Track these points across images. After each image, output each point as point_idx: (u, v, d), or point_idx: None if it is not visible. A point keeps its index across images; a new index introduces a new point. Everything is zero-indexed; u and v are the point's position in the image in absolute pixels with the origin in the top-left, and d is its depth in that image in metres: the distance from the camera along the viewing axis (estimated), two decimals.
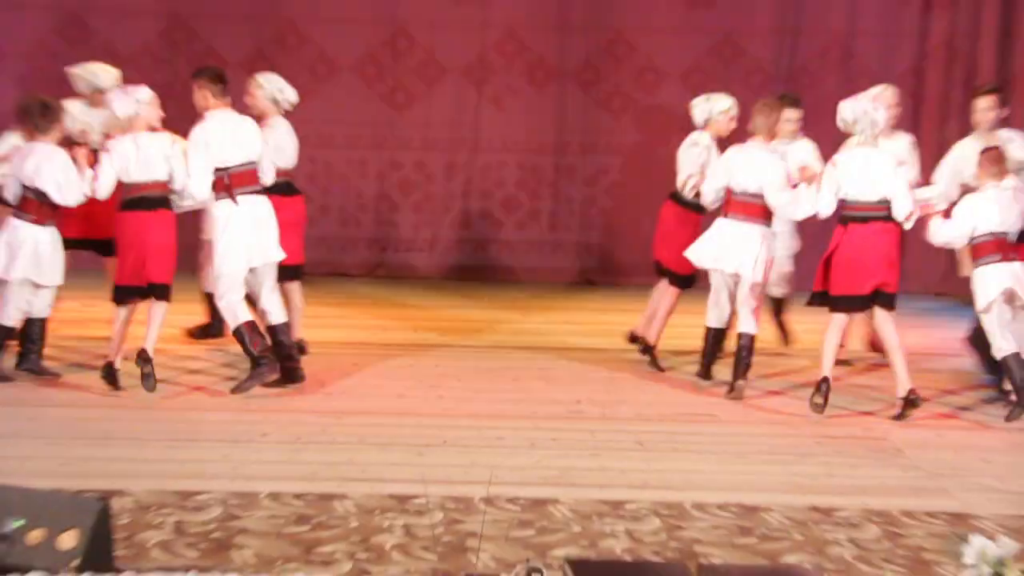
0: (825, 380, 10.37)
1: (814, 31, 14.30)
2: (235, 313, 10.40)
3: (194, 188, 10.45)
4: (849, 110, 10.58)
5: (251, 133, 10.62)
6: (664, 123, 14.11)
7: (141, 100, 10.53)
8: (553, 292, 13.76)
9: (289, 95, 11.28)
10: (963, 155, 11.27)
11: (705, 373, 11.22)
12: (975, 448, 9.80)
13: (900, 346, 10.48)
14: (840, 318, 10.50)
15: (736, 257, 10.84)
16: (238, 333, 10.39)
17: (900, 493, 8.91)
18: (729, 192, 10.86)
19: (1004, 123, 11.23)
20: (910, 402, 10.38)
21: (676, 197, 11.51)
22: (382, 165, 14.17)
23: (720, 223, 10.91)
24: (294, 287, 11.35)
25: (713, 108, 11.44)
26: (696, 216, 11.39)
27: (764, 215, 10.83)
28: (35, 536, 6.91)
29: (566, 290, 13.91)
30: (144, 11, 14.03)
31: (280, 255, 10.59)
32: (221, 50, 14.03)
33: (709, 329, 11.14)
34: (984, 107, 11.50)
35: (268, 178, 10.71)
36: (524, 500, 8.44)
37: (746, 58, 14.35)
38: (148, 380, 10.32)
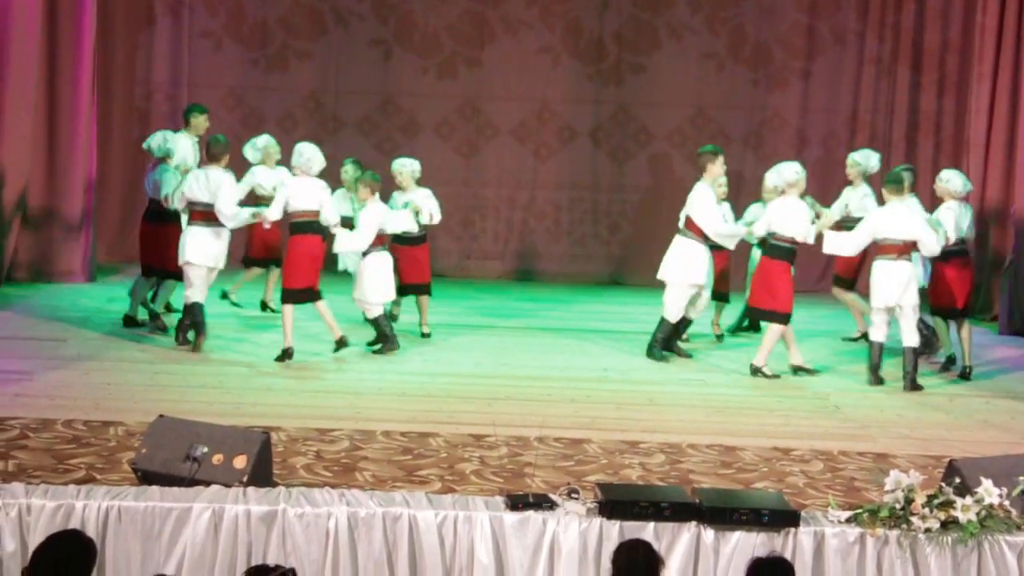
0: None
1: (772, 106, 14.18)
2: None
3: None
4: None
5: None
6: (662, 172, 14.07)
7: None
8: (587, 290, 13.71)
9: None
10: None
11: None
12: (893, 406, 9.71)
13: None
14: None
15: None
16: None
17: (838, 438, 8.85)
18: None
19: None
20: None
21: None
22: (461, 199, 14.10)
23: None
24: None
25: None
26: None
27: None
28: (216, 459, 6.94)
29: (597, 289, 13.85)
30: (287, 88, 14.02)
31: None
32: (342, 115, 14.05)
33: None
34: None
35: None
36: (566, 440, 8.42)
37: (714, 125, 14.22)
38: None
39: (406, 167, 11.38)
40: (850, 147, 13.49)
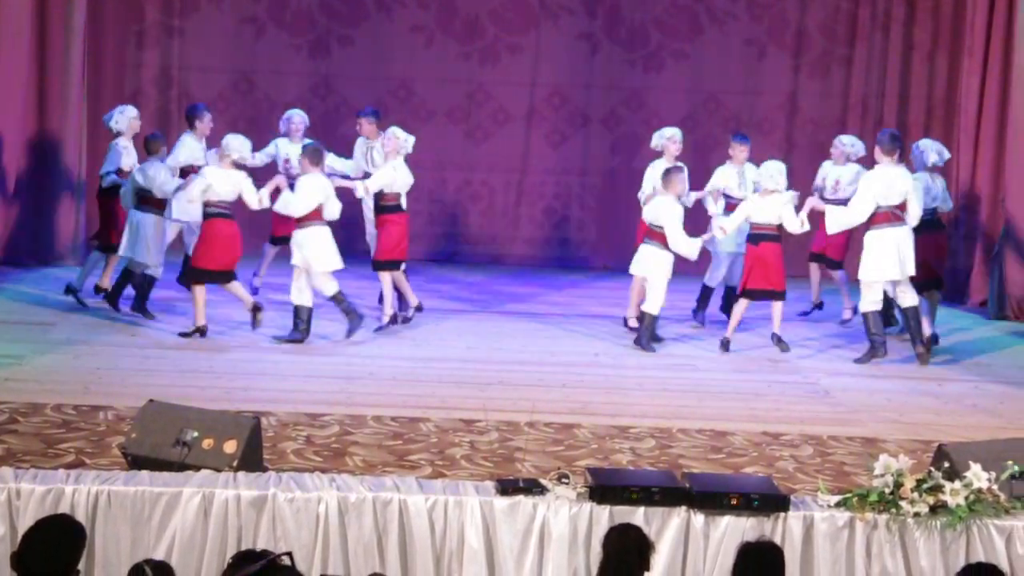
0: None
1: (769, 91, 14.12)
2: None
3: None
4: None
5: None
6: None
7: None
8: (579, 276, 13.65)
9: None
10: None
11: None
12: (881, 391, 9.70)
13: None
14: None
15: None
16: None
17: (828, 423, 8.84)
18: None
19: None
20: None
21: None
22: (459, 183, 14.05)
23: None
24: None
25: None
26: None
27: None
28: (207, 443, 6.92)
29: (589, 274, 13.79)
30: (296, 72, 13.92)
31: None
32: (352, 101, 13.95)
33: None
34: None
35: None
36: (556, 425, 8.41)
37: (723, 110, 14.16)
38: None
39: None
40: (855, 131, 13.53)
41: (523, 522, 6.65)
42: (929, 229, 10.64)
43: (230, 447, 6.88)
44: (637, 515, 6.56)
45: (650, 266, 10.57)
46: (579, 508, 6.64)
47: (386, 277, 10.83)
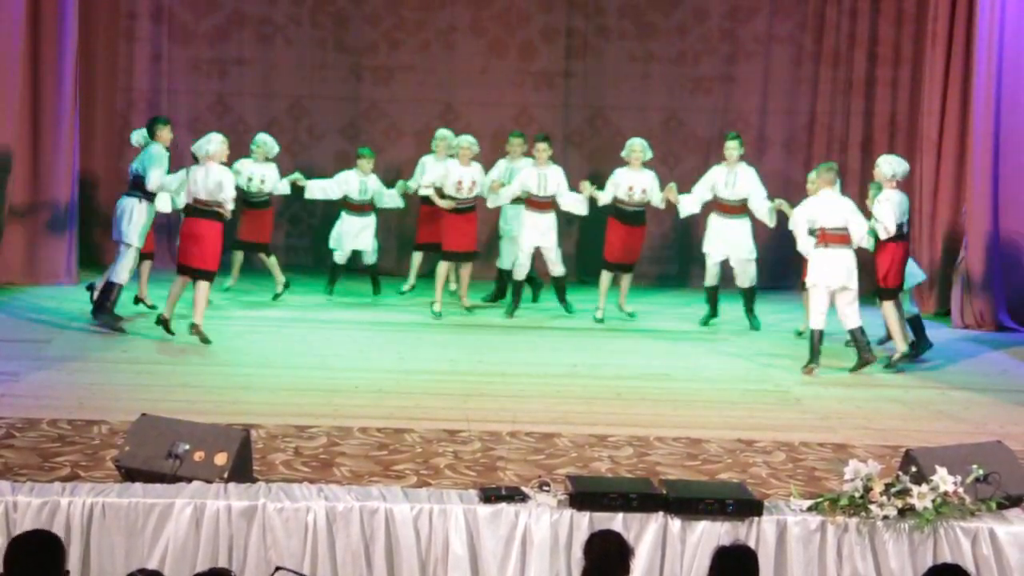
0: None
1: (736, 110, 14.18)
2: None
3: None
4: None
5: None
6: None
7: None
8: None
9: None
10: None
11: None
12: (851, 399, 9.74)
13: None
14: None
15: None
16: None
17: (799, 429, 8.87)
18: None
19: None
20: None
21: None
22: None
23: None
24: None
25: None
26: None
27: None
28: (198, 456, 6.92)
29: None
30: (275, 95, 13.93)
31: None
32: (324, 123, 13.99)
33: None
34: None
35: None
36: (537, 434, 8.42)
37: (685, 129, 14.24)
38: None
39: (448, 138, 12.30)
40: (809, 151, 13.66)
41: (506, 529, 6.66)
42: (898, 241, 10.66)
43: (221, 459, 6.87)
44: (616, 521, 6.58)
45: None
46: (560, 515, 6.66)
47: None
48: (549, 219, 11.92)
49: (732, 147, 11.77)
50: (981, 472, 6.90)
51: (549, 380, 9.91)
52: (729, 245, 11.79)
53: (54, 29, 12.43)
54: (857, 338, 10.39)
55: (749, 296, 11.91)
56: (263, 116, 13.85)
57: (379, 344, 10.69)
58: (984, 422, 9.10)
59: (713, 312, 12.02)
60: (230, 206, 10.47)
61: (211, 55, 13.87)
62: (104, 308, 10.74)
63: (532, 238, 11.92)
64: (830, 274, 10.28)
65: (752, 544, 6.49)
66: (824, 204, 10.38)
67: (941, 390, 10.05)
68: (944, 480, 6.75)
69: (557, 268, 12.12)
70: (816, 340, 10.31)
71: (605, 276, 12.00)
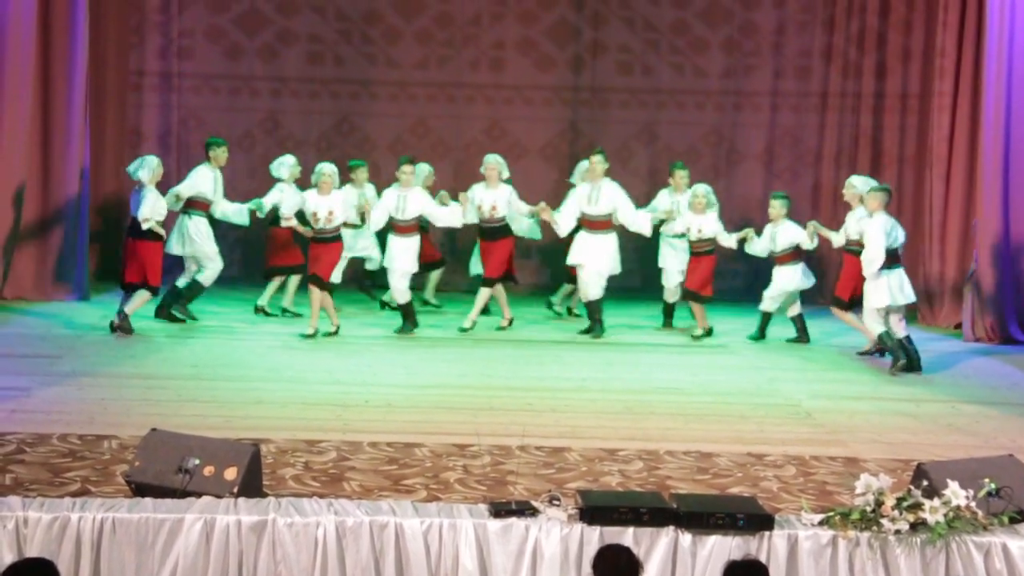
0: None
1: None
2: None
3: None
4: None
5: None
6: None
7: None
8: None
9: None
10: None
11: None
12: (861, 412, 9.69)
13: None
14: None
15: None
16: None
17: (810, 443, 8.83)
18: None
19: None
20: None
21: None
22: None
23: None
24: None
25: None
26: None
27: None
28: (208, 470, 6.89)
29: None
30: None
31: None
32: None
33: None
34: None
35: None
36: (547, 448, 8.38)
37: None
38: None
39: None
40: (817, 170, 13.78)
41: (516, 543, 6.63)
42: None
43: (231, 474, 6.85)
44: (626, 535, 6.54)
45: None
46: (570, 529, 6.62)
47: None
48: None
49: (597, 161, 11.81)
50: (993, 486, 6.85)
51: (558, 394, 9.88)
52: (586, 256, 11.86)
53: (64, 45, 12.48)
54: (905, 347, 10.78)
55: (589, 311, 11.97)
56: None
57: (389, 359, 10.66)
58: (995, 436, 9.04)
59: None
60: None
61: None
62: (179, 300, 11.63)
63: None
64: (899, 294, 10.76)
65: (763, 558, 6.44)
66: (890, 222, 10.75)
67: (952, 404, 10.00)
68: (956, 494, 6.70)
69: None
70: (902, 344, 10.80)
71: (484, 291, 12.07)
